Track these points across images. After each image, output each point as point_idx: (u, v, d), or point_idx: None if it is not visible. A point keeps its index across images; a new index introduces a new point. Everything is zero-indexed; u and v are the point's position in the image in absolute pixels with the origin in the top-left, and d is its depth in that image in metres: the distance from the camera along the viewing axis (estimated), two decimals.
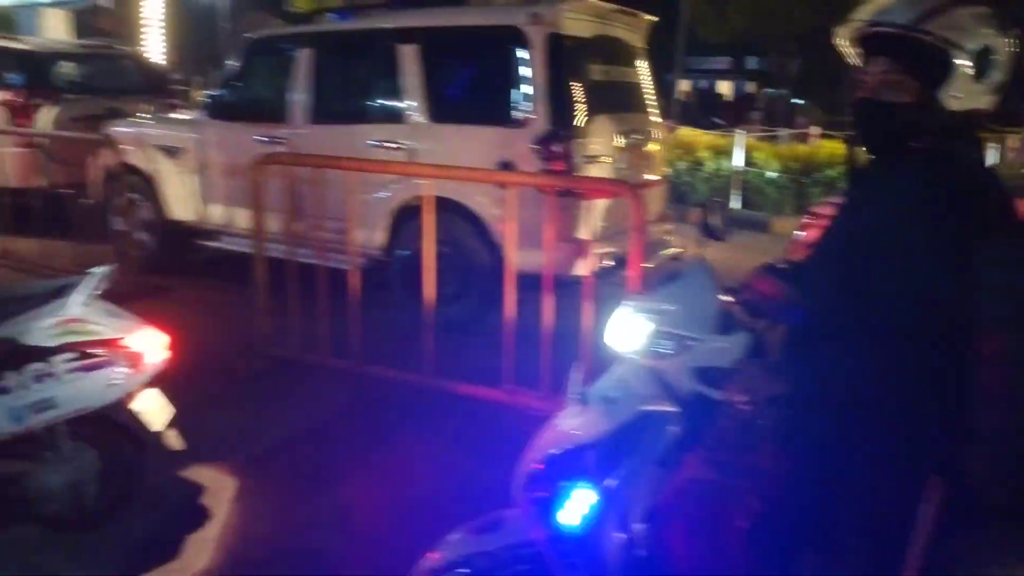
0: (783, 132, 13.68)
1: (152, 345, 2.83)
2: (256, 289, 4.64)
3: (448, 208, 4.78)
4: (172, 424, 2.97)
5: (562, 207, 4.31)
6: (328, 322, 4.46)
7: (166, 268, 6.48)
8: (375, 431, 3.93)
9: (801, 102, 21.02)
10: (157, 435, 2.91)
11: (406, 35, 5.31)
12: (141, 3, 15.35)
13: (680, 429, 1.79)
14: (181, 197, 6.38)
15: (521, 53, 4.89)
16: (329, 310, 4.47)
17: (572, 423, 1.86)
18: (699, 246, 2.10)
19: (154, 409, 2.90)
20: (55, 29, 15.60)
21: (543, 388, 3.82)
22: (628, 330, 1.84)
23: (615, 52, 5.58)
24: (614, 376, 1.89)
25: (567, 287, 4.35)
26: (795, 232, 5.48)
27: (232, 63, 6.27)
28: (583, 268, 4.44)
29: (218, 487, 3.35)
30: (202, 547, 2.94)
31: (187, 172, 6.31)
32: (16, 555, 2.89)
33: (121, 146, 6.31)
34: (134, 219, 6.49)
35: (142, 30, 15.48)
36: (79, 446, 2.83)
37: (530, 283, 4.03)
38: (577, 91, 4.94)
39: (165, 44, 15.86)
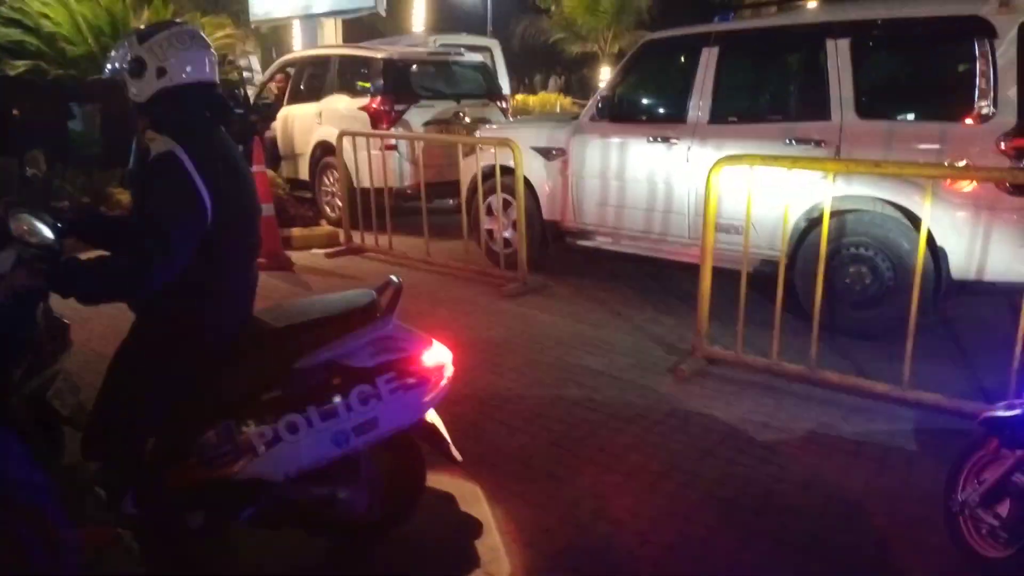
0: None
1: (446, 361, 2.77)
2: (700, 290, 4.70)
3: (882, 208, 4.88)
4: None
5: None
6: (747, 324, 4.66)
7: (539, 267, 6.67)
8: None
9: None
10: (447, 447, 2.87)
11: (840, 30, 5.11)
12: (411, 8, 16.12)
13: None
14: (557, 197, 6.55)
15: (984, 44, 4.58)
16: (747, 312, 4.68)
17: None
18: None
19: (439, 422, 2.88)
20: (328, 38, 16.49)
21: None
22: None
23: None
24: None
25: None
26: None
27: (621, 65, 6.36)
28: None
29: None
30: (494, 555, 2.94)
31: (565, 173, 6.45)
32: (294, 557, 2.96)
33: (493, 149, 6.56)
34: (504, 219, 6.77)
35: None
36: (376, 462, 2.81)
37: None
38: None
39: None
